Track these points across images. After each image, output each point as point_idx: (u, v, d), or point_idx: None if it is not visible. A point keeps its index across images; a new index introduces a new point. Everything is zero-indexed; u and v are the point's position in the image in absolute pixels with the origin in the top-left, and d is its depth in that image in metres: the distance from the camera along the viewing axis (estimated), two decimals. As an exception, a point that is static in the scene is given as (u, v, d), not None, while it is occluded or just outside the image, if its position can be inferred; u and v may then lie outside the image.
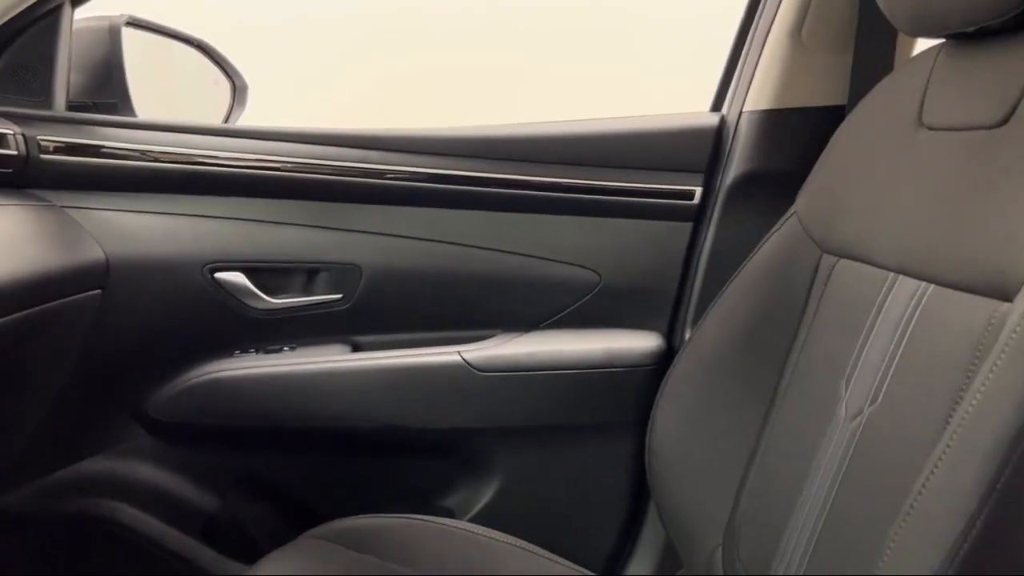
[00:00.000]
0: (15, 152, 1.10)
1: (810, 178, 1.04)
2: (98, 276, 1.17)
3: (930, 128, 0.84)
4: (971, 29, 0.79)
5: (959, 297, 0.72)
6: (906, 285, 0.80)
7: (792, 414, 0.94)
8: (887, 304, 0.82)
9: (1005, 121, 0.74)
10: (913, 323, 0.77)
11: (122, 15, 1.27)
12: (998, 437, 0.57)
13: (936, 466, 0.61)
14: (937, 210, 0.79)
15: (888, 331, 0.80)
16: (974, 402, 0.61)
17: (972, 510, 0.56)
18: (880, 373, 0.79)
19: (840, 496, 0.80)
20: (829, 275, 0.94)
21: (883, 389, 0.78)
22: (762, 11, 1.28)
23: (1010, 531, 0.58)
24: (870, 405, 0.80)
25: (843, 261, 0.92)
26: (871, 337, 0.83)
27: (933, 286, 0.76)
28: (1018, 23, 0.74)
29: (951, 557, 0.57)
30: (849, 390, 0.84)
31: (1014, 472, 0.56)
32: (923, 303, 0.77)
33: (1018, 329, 0.61)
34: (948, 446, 0.61)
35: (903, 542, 0.62)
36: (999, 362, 0.61)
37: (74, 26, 1.21)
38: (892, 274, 0.82)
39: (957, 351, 0.67)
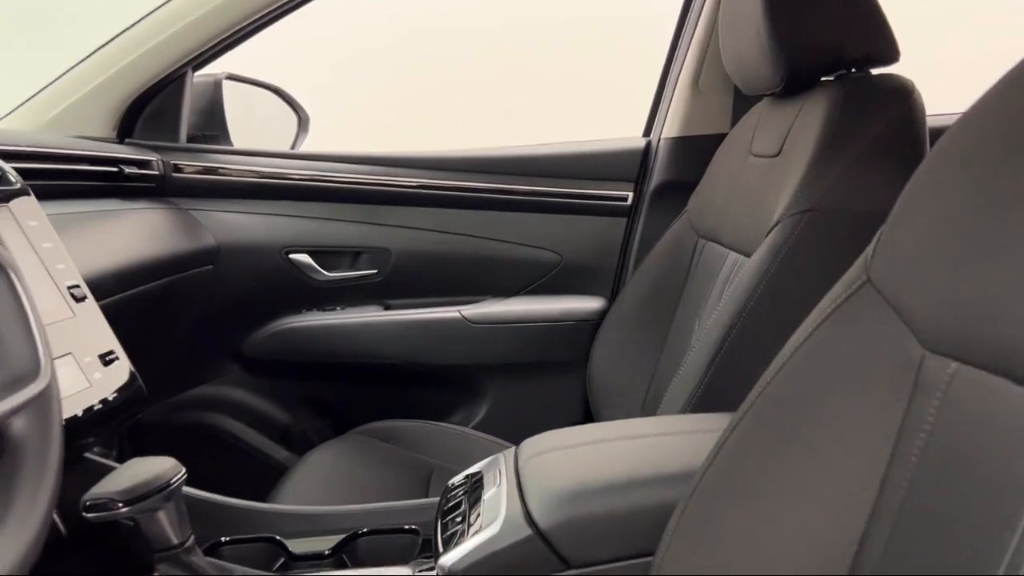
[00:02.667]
0: (157, 172, 1.45)
1: (698, 186, 1.41)
2: (210, 256, 1.49)
3: (753, 155, 1.25)
4: (767, 92, 1.21)
5: (716, 249, 1.15)
6: (732, 257, 1.21)
7: (673, 345, 1.32)
8: (722, 270, 1.23)
9: (778, 153, 1.15)
10: (731, 280, 1.19)
11: (223, 72, 1.60)
12: (718, 332, 1.00)
13: (692, 348, 1.04)
14: (748, 209, 1.20)
15: (719, 286, 1.21)
16: (714, 312, 1.04)
17: (702, 371, 0.99)
18: (714, 312, 1.20)
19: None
20: (700, 253, 1.34)
21: (710, 319, 1.19)
22: (673, 65, 1.62)
23: (724, 383, 0.99)
24: (702, 329, 1.21)
25: (709, 243, 1.31)
26: (712, 291, 1.24)
27: (743, 257, 1.18)
28: (784, 93, 1.16)
29: (693, 395, 1.00)
30: (699, 324, 1.25)
31: (725, 353, 0.99)
32: (736, 268, 1.19)
33: (737, 269, 1.04)
34: (697, 338, 1.04)
35: (673, 389, 1.05)
36: (728, 288, 1.03)
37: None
38: (727, 251, 1.23)
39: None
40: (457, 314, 1.59)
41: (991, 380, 0.49)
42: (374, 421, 1.48)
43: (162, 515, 0.77)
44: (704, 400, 0.98)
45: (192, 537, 0.80)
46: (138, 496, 0.75)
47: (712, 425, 0.84)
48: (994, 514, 0.46)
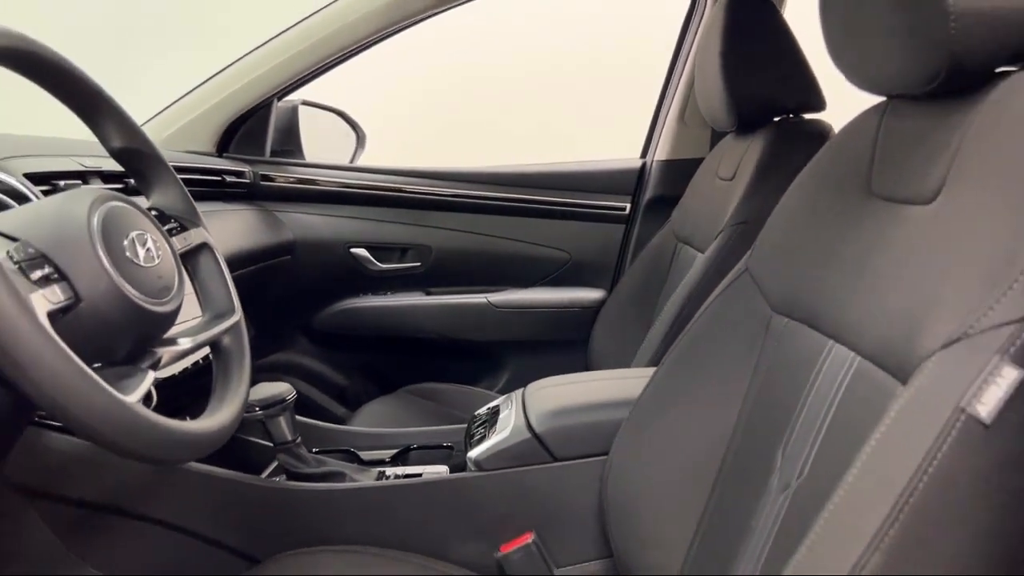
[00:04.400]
0: (249, 180, 1.77)
1: (680, 200, 1.73)
2: (289, 249, 1.79)
3: (718, 178, 1.58)
4: (728, 130, 1.54)
5: (689, 250, 1.48)
6: (699, 256, 1.54)
7: (654, 327, 1.66)
8: (694, 264, 1.55)
9: (732, 178, 1.49)
10: (674, 265, 1.52)
11: (299, 99, 1.88)
12: (675, 309, 1.35)
13: (659, 320, 1.39)
14: (709, 220, 1.51)
15: (679, 278, 1.54)
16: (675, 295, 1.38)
17: (662, 336, 1.34)
18: (670, 297, 1.51)
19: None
20: (678, 254, 1.67)
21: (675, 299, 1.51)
22: (664, 101, 1.94)
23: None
24: (659, 308, 1.53)
25: (684, 246, 1.64)
26: (688, 276, 1.56)
27: (693, 249, 1.50)
28: (740, 131, 1.49)
29: (655, 354, 1.34)
30: (667, 305, 1.57)
31: (679, 324, 1.33)
32: (682, 255, 1.52)
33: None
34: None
35: (642, 351, 1.39)
36: (688, 277, 1.38)
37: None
38: (696, 252, 1.55)
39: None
40: (484, 300, 1.89)
41: (805, 330, 0.84)
42: (416, 384, 1.79)
43: (282, 419, 1.13)
44: (662, 358, 1.31)
45: (300, 438, 1.16)
46: (268, 404, 1.11)
47: (660, 371, 1.19)
48: (789, 405, 0.81)
